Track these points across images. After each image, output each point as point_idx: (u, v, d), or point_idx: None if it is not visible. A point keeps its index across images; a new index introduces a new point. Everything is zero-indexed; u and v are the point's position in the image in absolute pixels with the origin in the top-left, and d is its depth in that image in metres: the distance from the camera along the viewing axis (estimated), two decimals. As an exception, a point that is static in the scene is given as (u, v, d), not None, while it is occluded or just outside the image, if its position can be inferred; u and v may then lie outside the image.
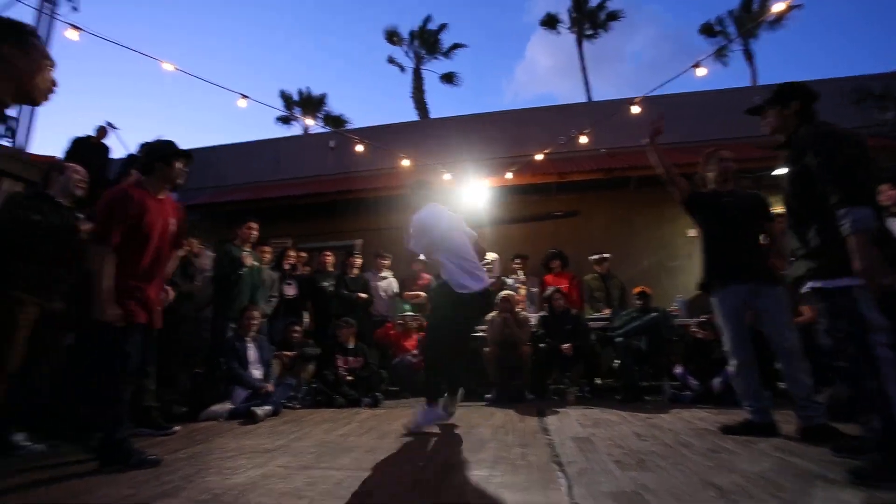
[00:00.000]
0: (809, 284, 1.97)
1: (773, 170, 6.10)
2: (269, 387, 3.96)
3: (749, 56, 16.73)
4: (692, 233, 6.87)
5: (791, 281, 2.16)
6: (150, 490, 1.87)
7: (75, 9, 6.14)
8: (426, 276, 5.86)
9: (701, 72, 5.15)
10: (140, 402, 3.00)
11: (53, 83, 1.57)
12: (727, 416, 3.20)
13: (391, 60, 19.20)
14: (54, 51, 5.59)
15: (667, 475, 1.88)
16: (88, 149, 6.25)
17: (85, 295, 2.83)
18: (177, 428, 3.21)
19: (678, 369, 4.25)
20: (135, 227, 2.34)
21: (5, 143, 7.20)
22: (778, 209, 2.65)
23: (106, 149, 6.60)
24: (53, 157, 6.34)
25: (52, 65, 1.56)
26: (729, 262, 2.71)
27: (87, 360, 2.79)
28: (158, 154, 2.51)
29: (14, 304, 2.48)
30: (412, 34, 18.95)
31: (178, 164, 2.52)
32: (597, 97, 18.20)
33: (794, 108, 2.16)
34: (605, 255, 5.87)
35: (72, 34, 4.38)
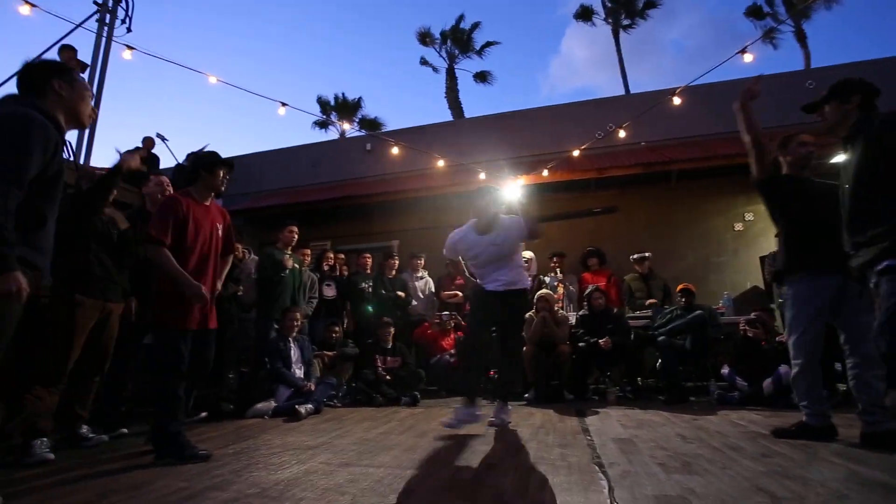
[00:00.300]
0: (880, 265, 1.87)
1: (830, 158, 5.74)
2: (311, 385, 4.08)
3: (802, 37, 15.78)
4: (739, 227, 6.57)
5: (857, 270, 2.03)
6: (202, 483, 1.97)
7: (129, 30, 6.52)
8: (462, 275, 5.87)
9: (748, 58, 4.90)
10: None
11: (94, 110, 1.96)
12: (779, 418, 3.05)
13: (424, 61, 19.35)
14: (111, 68, 5.96)
15: (715, 479, 1.81)
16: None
17: (141, 296, 2.99)
18: (203, 414, 3.64)
19: (725, 369, 4.07)
20: (181, 231, 2.49)
21: (68, 158, 7.72)
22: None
23: (155, 159, 6.97)
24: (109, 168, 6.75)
25: (91, 95, 1.96)
26: (823, 251, 2.47)
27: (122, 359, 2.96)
28: (202, 163, 2.70)
29: (75, 307, 2.67)
30: (444, 34, 19.00)
31: (221, 173, 2.69)
32: (635, 89, 17.69)
33: (855, 102, 2.11)
34: (646, 255, 5.69)
35: (127, 54, 4.68)
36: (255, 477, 2.04)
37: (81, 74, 2.02)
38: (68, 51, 5.70)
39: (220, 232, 2.70)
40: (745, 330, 4.16)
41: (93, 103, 1.95)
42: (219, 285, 2.75)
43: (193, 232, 2.52)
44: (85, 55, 7.13)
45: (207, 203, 2.68)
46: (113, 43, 6.17)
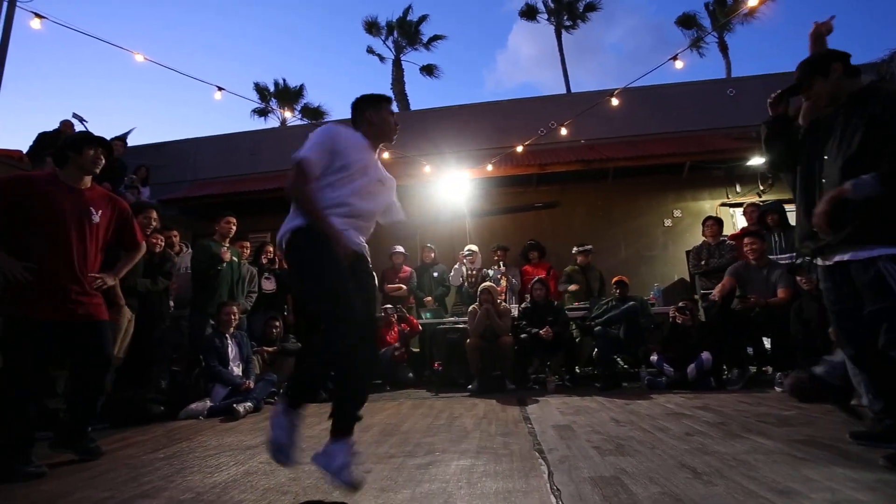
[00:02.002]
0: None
1: (746, 161, 6.26)
2: (250, 383, 3.93)
3: (724, 48, 16.97)
4: (669, 223, 7.03)
5: None
6: (128, 491, 1.85)
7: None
8: (407, 268, 5.87)
9: (679, 64, 5.23)
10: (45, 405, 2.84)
11: None
12: (701, 400, 3.31)
13: (370, 51, 18.93)
14: (14, 42, 5.32)
15: (644, 459, 1.93)
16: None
17: None
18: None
19: (654, 356, 4.35)
20: (25, 212, 2.27)
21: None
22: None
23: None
24: (18, 150, 6.10)
25: None
26: None
27: None
28: (69, 143, 2.46)
29: None
30: (391, 25, 18.68)
31: (90, 152, 2.43)
32: (577, 88, 18.32)
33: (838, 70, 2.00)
34: (589, 247, 5.94)
35: (35, 23, 4.21)
36: (189, 481, 1.95)
37: None
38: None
39: (97, 219, 2.44)
40: (674, 317, 4.46)
41: None
42: (108, 281, 2.52)
43: (43, 215, 2.28)
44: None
45: (82, 186, 2.44)
46: (17, 8, 5.47)
